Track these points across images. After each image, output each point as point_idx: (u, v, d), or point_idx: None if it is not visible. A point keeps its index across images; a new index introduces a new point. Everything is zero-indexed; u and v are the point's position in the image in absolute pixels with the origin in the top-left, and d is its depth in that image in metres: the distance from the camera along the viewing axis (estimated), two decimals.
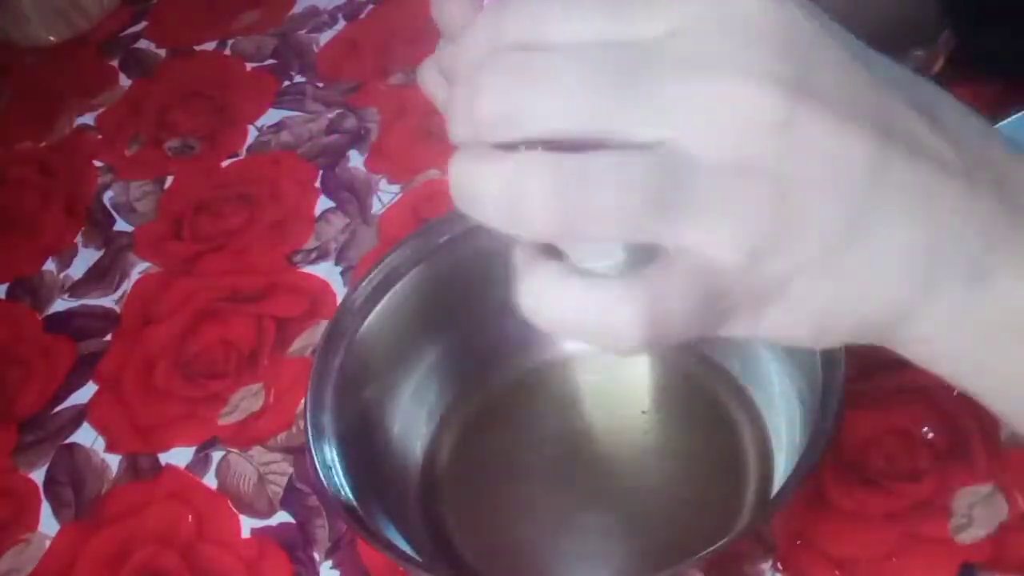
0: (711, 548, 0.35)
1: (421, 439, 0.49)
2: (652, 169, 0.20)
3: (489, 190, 0.22)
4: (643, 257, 0.22)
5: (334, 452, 0.41)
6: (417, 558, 0.39)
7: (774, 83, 0.20)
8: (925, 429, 0.45)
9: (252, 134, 0.73)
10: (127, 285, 0.64)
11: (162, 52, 0.84)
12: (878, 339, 0.24)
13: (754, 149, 0.20)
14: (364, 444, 0.44)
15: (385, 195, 0.65)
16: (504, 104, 0.21)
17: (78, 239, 0.68)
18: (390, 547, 0.38)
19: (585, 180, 0.20)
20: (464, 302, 0.48)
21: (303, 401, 0.54)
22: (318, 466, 0.40)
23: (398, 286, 0.47)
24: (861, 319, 0.23)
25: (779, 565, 0.43)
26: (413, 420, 0.48)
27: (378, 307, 0.46)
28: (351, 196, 0.66)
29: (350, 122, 0.71)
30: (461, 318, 0.48)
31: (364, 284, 0.46)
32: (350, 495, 0.39)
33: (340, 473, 0.40)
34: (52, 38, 0.88)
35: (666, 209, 0.21)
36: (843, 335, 0.23)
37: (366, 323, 0.46)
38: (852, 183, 0.21)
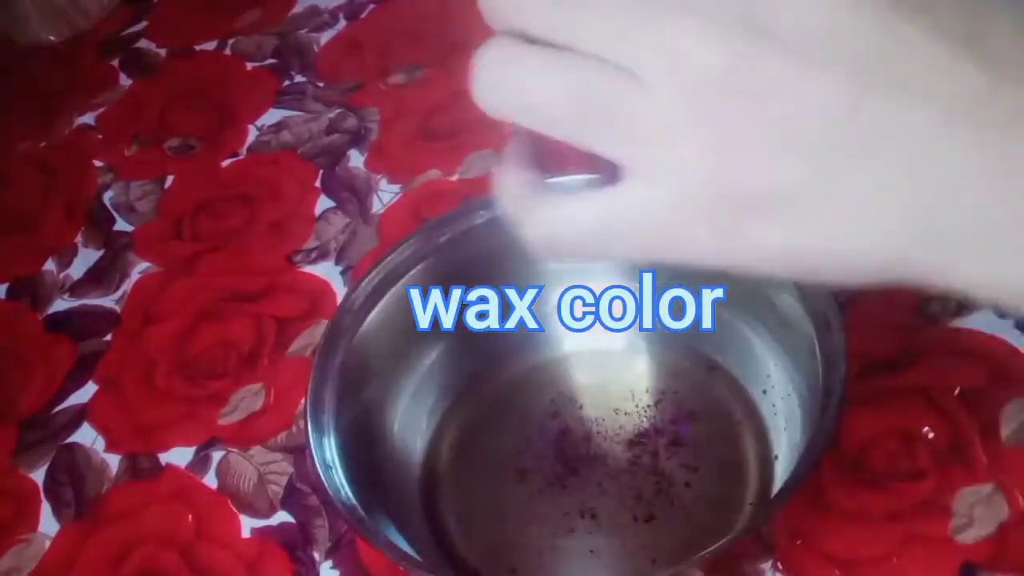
0: (711, 548, 0.35)
1: (421, 438, 0.49)
2: (607, 85, 0.22)
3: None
4: None
5: (334, 451, 0.41)
6: (417, 558, 0.39)
7: (717, 26, 0.20)
8: (925, 429, 0.45)
9: (252, 134, 0.73)
10: (127, 285, 0.64)
11: (162, 52, 0.84)
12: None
13: (697, 98, 0.21)
14: (364, 444, 0.44)
15: (385, 195, 0.65)
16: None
17: (78, 239, 0.68)
18: (390, 547, 0.38)
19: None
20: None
21: (303, 401, 0.54)
22: (319, 465, 0.40)
23: (398, 286, 0.47)
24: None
25: (779, 565, 0.43)
26: (413, 420, 0.48)
27: (378, 307, 0.46)
28: (351, 196, 0.66)
29: (350, 122, 0.71)
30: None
31: (364, 284, 0.46)
32: (350, 495, 0.39)
33: (340, 472, 0.40)
34: (52, 38, 0.88)
35: (614, 125, 0.22)
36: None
37: (366, 323, 0.46)
38: (810, 137, 0.21)
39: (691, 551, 0.35)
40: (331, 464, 0.41)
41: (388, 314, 0.47)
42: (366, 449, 0.44)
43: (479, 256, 0.47)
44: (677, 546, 0.43)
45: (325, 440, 0.41)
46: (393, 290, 0.47)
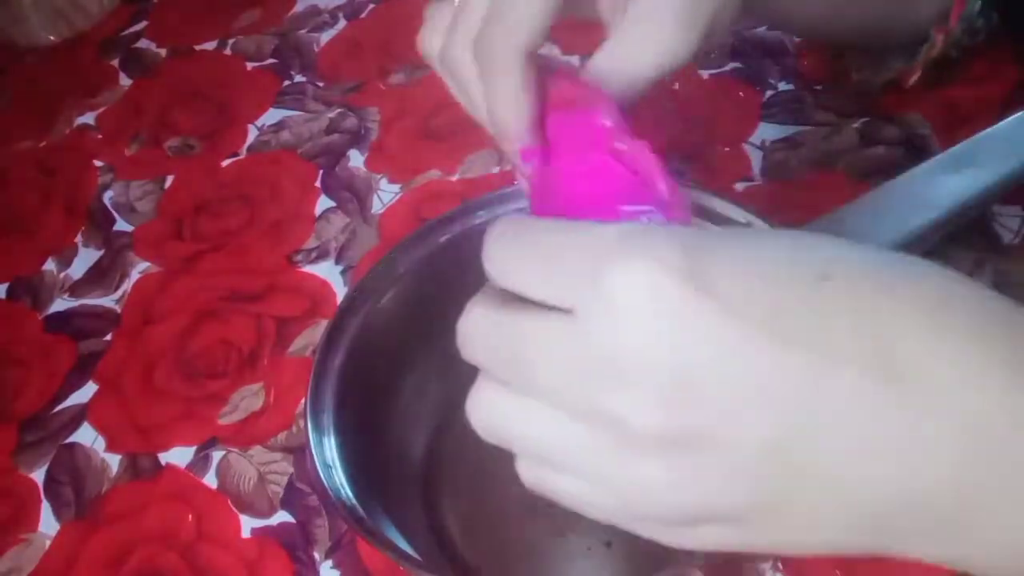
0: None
1: (422, 439, 0.49)
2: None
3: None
4: None
5: (334, 451, 0.41)
6: (417, 557, 0.39)
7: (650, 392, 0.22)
8: None
9: (252, 134, 0.73)
10: (127, 285, 0.64)
11: (162, 52, 0.84)
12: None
13: (642, 449, 0.23)
14: (364, 443, 0.44)
15: (385, 194, 0.65)
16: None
17: (78, 239, 0.68)
18: (390, 546, 0.38)
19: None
20: (465, 302, 0.48)
21: (303, 401, 0.54)
22: (318, 465, 0.40)
23: (399, 286, 0.47)
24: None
25: (779, 565, 0.42)
26: (413, 420, 0.48)
27: (379, 306, 0.46)
28: (351, 196, 0.66)
29: (350, 122, 0.71)
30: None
31: (365, 283, 0.46)
32: (350, 494, 0.39)
33: (340, 472, 0.40)
34: (52, 38, 0.88)
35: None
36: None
37: (367, 322, 0.46)
38: (749, 470, 0.22)
39: (691, 552, 0.35)
40: (331, 464, 0.40)
41: (389, 313, 0.47)
42: (366, 449, 0.44)
43: (480, 256, 0.47)
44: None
45: (325, 440, 0.41)
46: (394, 290, 0.47)
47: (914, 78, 0.57)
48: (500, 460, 0.47)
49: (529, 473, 0.26)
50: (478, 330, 0.25)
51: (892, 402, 0.21)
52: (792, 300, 0.21)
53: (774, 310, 0.21)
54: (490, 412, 0.25)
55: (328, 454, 0.41)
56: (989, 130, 0.47)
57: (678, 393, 0.21)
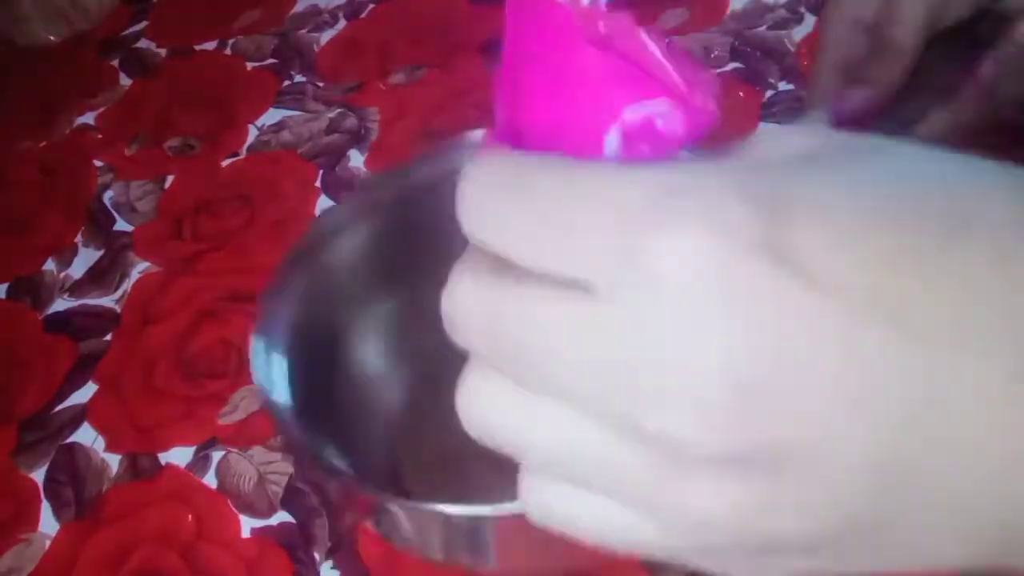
0: None
1: (383, 380, 0.47)
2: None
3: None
4: None
5: (284, 369, 0.39)
6: (348, 471, 0.37)
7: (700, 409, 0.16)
8: None
9: (252, 133, 0.73)
10: (127, 285, 0.64)
11: (162, 52, 0.84)
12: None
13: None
14: (320, 368, 0.42)
15: None
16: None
17: (78, 239, 0.68)
18: (322, 464, 0.36)
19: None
20: (442, 252, 0.46)
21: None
22: (261, 380, 0.37)
23: (375, 217, 0.45)
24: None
25: None
26: (375, 357, 0.47)
27: (353, 233, 0.44)
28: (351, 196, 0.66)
29: (350, 122, 0.71)
30: (437, 266, 0.47)
31: (343, 207, 0.44)
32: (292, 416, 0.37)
33: (285, 391, 0.38)
34: (52, 38, 0.88)
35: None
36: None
37: (338, 245, 0.44)
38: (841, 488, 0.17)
39: None
40: (273, 380, 0.38)
41: (361, 243, 0.44)
42: (321, 375, 0.42)
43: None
44: None
45: (274, 357, 0.39)
46: (369, 222, 0.45)
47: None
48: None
49: (538, 494, 0.19)
50: (470, 312, 0.19)
51: None
52: (912, 272, 0.16)
53: (888, 288, 0.16)
54: (488, 409, 0.19)
55: (275, 372, 0.38)
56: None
57: (749, 404, 0.16)
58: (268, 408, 0.37)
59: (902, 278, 0.16)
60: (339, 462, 0.37)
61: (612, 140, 0.20)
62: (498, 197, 0.18)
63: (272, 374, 0.38)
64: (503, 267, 0.18)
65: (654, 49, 0.20)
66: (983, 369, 0.16)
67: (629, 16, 0.20)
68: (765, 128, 0.19)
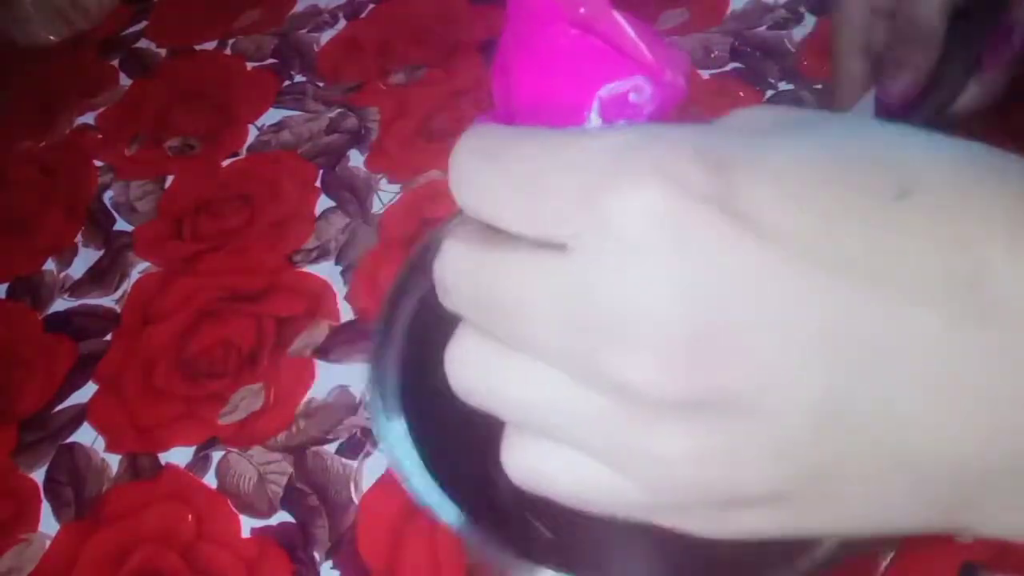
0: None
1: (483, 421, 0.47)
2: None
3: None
4: None
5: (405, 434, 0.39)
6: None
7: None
8: None
9: (252, 133, 0.73)
10: (127, 285, 0.64)
11: (162, 52, 0.84)
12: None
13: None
14: (427, 425, 0.43)
15: (385, 194, 0.65)
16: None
17: (78, 239, 0.68)
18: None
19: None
20: None
21: (304, 398, 0.54)
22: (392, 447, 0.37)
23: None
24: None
25: None
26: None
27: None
28: (351, 196, 0.66)
29: (350, 121, 0.71)
30: None
31: (450, 224, 0.45)
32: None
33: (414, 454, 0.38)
34: (52, 38, 0.88)
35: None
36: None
37: (423, 299, 0.44)
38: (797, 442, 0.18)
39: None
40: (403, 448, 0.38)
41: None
42: (430, 430, 0.43)
43: None
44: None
45: (394, 423, 0.40)
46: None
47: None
48: None
49: (519, 453, 0.20)
50: (457, 273, 0.20)
51: (985, 349, 0.16)
52: (858, 224, 0.17)
53: (835, 238, 0.16)
54: (472, 369, 0.20)
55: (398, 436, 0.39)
56: None
57: (704, 349, 0.17)
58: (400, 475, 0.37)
59: (846, 231, 0.16)
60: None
61: (592, 116, 0.22)
62: (480, 166, 0.19)
63: (390, 424, 0.38)
64: (491, 233, 0.19)
65: (628, 30, 0.21)
66: (922, 317, 0.16)
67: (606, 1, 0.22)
68: (739, 109, 0.20)
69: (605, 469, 0.19)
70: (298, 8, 0.84)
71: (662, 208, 0.17)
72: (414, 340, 0.41)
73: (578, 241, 0.17)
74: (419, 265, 0.43)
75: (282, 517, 0.50)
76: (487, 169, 0.19)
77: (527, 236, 0.18)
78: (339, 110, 0.72)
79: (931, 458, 0.17)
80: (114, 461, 0.54)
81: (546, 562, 0.35)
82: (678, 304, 0.17)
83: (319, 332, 0.57)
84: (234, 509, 0.50)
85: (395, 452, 0.37)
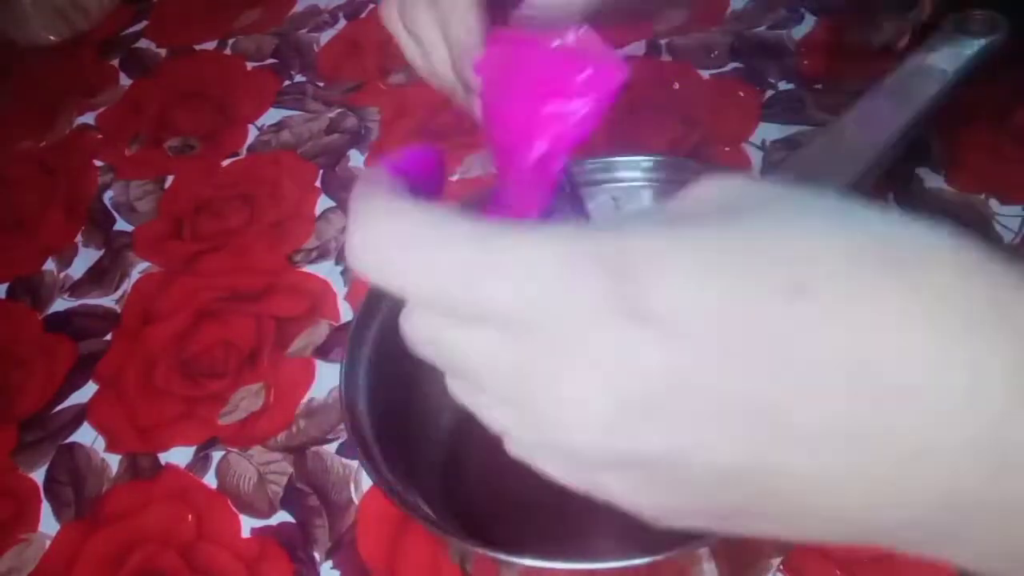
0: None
1: (451, 411, 0.48)
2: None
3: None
4: None
5: (367, 416, 0.42)
6: (431, 514, 0.39)
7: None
8: None
9: (252, 133, 0.73)
10: (127, 285, 0.64)
11: (162, 52, 0.84)
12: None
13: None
14: (396, 409, 0.44)
15: None
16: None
17: (78, 239, 0.68)
18: (425, 517, 0.38)
19: None
20: None
21: (303, 399, 0.54)
22: (352, 433, 0.40)
23: None
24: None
25: (781, 565, 0.42)
26: (445, 391, 0.48)
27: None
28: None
29: (350, 121, 0.71)
30: None
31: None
32: (381, 462, 0.40)
33: (370, 437, 0.41)
34: (52, 38, 0.88)
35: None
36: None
37: (393, 309, 0.46)
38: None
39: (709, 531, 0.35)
40: (369, 442, 0.41)
41: None
42: (397, 410, 0.44)
43: None
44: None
45: (358, 395, 0.42)
46: None
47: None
48: None
49: (463, 393, 0.24)
50: (420, 334, 0.23)
51: (870, 428, 0.19)
52: (754, 319, 0.19)
53: (730, 332, 0.19)
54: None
55: (364, 429, 0.41)
56: (911, 60, 0.48)
57: (628, 422, 0.20)
58: (355, 440, 0.40)
59: (739, 325, 0.19)
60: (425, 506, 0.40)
61: (539, 145, 0.26)
62: (401, 256, 0.22)
63: (357, 409, 0.41)
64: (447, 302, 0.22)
65: (549, 49, 0.26)
66: (808, 397, 0.19)
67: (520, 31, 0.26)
68: (703, 179, 0.22)
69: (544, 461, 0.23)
70: (298, 8, 0.84)
71: (575, 315, 0.20)
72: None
73: (516, 326, 0.21)
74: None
75: (282, 517, 0.50)
76: (412, 259, 0.22)
77: (478, 311, 0.21)
78: (339, 110, 0.72)
79: (833, 513, 0.20)
80: (114, 461, 0.54)
81: (514, 547, 0.37)
82: (603, 390, 0.20)
83: (319, 332, 0.57)
84: (234, 509, 0.50)
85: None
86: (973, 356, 0.19)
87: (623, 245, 0.20)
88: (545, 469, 0.23)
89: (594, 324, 0.20)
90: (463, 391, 0.24)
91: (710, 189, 0.22)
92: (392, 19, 0.42)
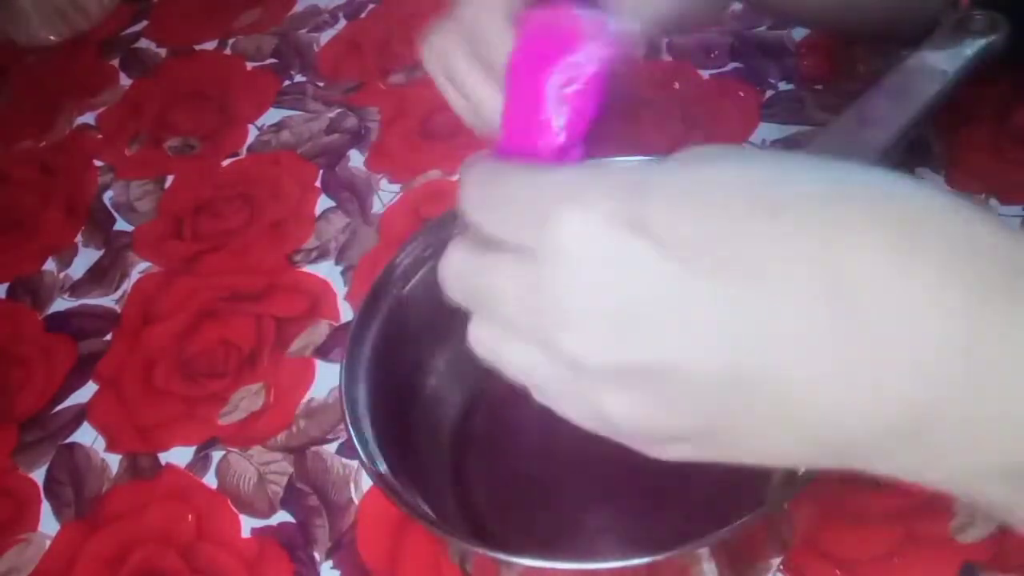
0: (726, 528, 0.34)
1: (453, 408, 0.49)
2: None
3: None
4: None
5: (366, 408, 0.42)
6: (432, 515, 0.39)
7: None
8: None
9: (252, 133, 0.73)
10: (127, 285, 0.64)
11: (162, 52, 0.84)
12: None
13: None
14: (396, 404, 0.45)
15: (386, 194, 0.65)
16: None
17: (78, 239, 0.68)
18: (424, 516, 0.38)
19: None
20: None
21: (304, 399, 0.54)
22: (353, 434, 0.40)
23: (427, 267, 0.47)
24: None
25: (781, 566, 0.42)
26: (446, 389, 0.49)
27: (419, 274, 0.47)
28: (351, 195, 0.66)
29: (350, 121, 0.71)
30: None
31: (408, 249, 0.47)
32: (381, 462, 0.40)
33: (370, 437, 0.41)
34: (52, 38, 0.88)
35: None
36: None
37: (407, 289, 0.46)
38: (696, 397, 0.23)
39: (709, 531, 0.35)
40: (367, 440, 0.41)
41: (429, 283, 0.47)
42: (398, 410, 0.44)
43: None
44: (697, 524, 0.42)
45: (362, 418, 0.42)
46: (434, 262, 0.47)
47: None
48: (529, 435, 0.48)
49: (483, 333, 0.26)
50: (455, 275, 0.26)
51: (844, 331, 0.21)
52: (738, 235, 0.21)
53: (717, 246, 0.21)
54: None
55: (360, 408, 0.42)
56: (911, 60, 0.48)
57: (625, 331, 0.22)
58: (356, 447, 0.40)
59: (725, 239, 0.21)
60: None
61: (550, 102, 0.27)
62: (479, 190, 0.26)
63: (357, 409, 0.42)
64: (482, 241, 0.25)
65: (547, 24, 0.27)
66: (785, 303, 0.21)
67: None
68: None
69: (567, 409, 0.26)
70: (298, 8, 0.84)
71: (582, 229, 0.23)
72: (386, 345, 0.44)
73: (535, 249, 0.24)
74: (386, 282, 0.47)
75: (282, 517, 0.50)
76: (484, 190, 0.26)
77: (507, 242, 0.25)
78: (339, 110, 0.72)
79: (811, 420, 0.22)
80: (114, 461, 0.54)
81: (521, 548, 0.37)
82: (602, 298, 0.23)
83: (319, 332, 0.57)
84: (234, 509, 0.50)
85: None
86: (937, 267, 0.20)
87: (627, 179, 0.23)
88: (562, 409, 0.26)
89: (598, 236, 0.22)
90: (487, 337, 0.26)
91: (695, 148, 0.24)
92: (432, 67, 0.43)
